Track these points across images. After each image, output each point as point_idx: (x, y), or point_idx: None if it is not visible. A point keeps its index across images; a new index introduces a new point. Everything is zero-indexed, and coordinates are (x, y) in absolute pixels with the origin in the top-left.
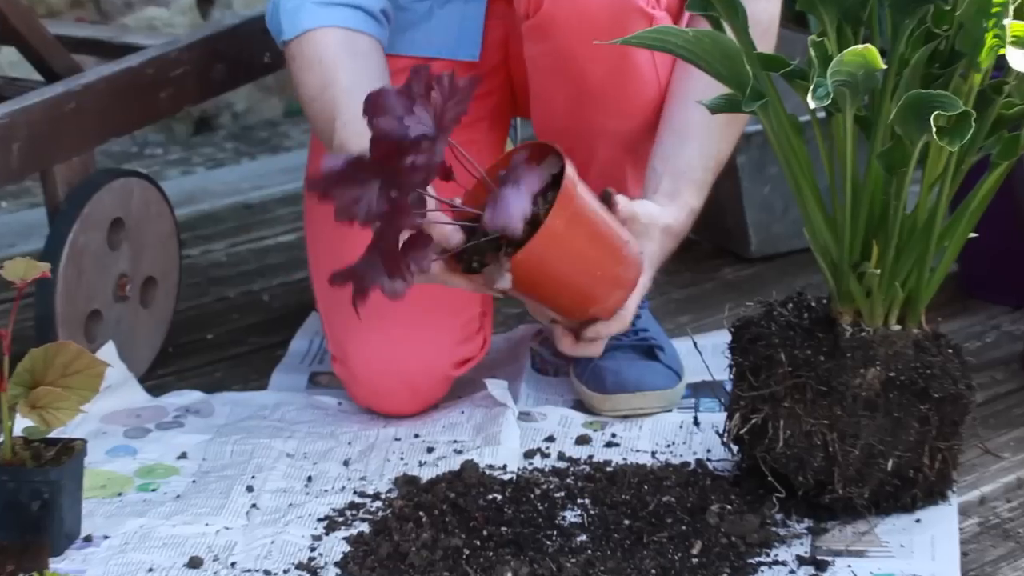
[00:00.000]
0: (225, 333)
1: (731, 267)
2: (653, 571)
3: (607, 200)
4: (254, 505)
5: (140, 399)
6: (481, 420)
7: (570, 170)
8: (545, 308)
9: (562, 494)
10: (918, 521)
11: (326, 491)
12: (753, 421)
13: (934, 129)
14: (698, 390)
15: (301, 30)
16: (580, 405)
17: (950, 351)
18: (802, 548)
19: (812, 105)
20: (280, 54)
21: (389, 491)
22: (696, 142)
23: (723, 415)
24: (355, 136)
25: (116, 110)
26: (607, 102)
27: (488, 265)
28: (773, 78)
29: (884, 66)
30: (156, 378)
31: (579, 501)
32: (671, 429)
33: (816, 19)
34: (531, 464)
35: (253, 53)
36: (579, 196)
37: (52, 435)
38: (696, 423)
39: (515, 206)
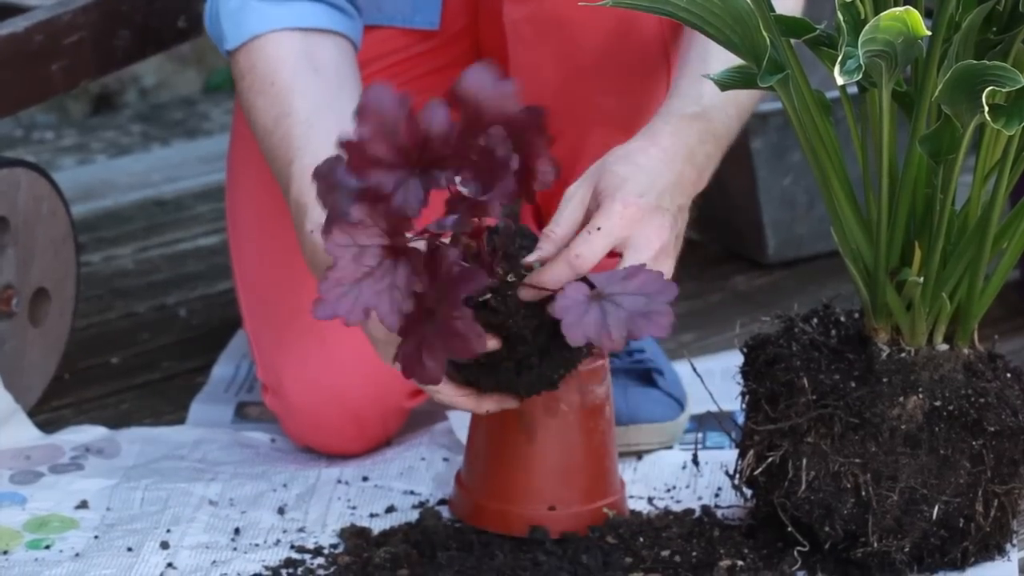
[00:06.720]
0: (133, 356)
1: (744, 275)
2: None
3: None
4: (170, 564)
5: (30, 436)
6: (443, 469)
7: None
8: None
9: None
10: None
11: (257, 545)
12: (770, 460)
13: (986, 108)
14: (704, 423)
15: (247, 36)
16: None
17: (1008, 375)
18: None
19: (841, 80)
20: (198, 18)
21: (333, 545)
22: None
23: (734, 453)
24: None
25: None
26: (605, 76)
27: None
28: (796, 46)
29: (928, 32)
30: (50, 410)
31: (560, 556)
32: (672, 470)
33: None
34: None
35: (165, 16)
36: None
37: None
38: (696, 462)
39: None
